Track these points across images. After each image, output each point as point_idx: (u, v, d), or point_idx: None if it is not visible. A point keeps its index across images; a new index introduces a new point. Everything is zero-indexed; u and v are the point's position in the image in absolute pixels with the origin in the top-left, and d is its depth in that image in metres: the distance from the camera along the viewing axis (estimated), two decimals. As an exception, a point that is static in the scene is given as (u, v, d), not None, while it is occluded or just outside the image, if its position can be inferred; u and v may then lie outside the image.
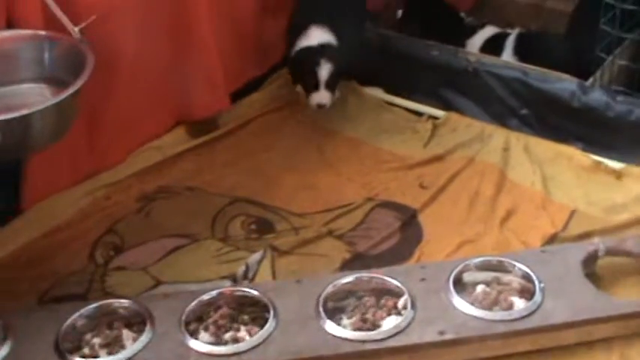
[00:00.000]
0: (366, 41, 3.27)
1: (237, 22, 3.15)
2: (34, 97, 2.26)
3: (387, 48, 3.33)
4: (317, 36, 3.06)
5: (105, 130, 2.78)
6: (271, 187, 2.86)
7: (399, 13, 3.76)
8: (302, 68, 3.04)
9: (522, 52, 3.36)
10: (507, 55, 3.38)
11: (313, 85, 2.98)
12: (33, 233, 2.61)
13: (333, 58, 2.98)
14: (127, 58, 2.68)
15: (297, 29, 3.12)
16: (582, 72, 3.08)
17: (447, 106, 3.23)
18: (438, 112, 3.22)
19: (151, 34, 2.75)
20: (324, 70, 2.96)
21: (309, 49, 3.04)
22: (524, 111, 3.10)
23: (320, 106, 2.99)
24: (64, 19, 2.26)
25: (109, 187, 2.82)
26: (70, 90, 2.09)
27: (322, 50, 3.02)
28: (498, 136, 3.08)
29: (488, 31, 3.54)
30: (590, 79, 3.06)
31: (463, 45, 3.47)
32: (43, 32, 2.33)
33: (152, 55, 2.80)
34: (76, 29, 2.26)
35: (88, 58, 2.20)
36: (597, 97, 2.96)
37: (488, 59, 3.24)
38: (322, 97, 2.98)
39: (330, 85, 2.99)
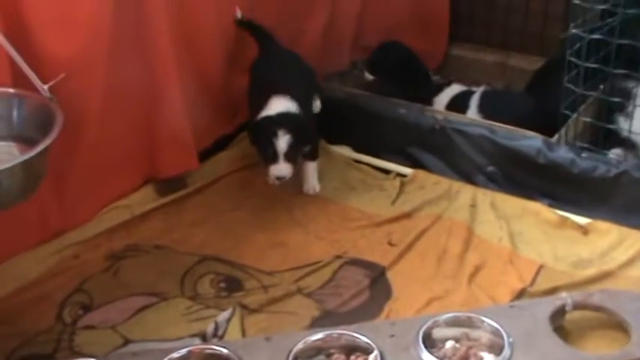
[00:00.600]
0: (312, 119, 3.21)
1: (205, 80, 3.17)
2: (2, 155, 2.23)
3: (355, 106, 3.36)
4: (277, 105, 2.97)
5: (73, 188, 2.78)
6: (240, 245, 2.85)
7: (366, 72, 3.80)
8: (259, 139, 2.95)
9: (487, 109, 3.42)
10: (472, 112, 3.44)
11: (271, 157, 2.89)
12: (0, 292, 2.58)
13: (293, 128, 2.89)
14: (94, 116, 2.69)
15: (257, 97, 3.07)
16: (546, 128, 3.13)
17: (414, 163, 3.26)
18: (406, 170, 3.25)
19: (119, 93, 2.76)
20: (283, 142, 2.86)
21: (267, 119, 2.93)
22: (490, 168, 3.14)
23: (279, 179, 2.91)
24: (33, 77, 2.26)
25: (78, 245, 2.81)
26: (39, 148, 2.07)
27: (280, 120, 2.92)
28: (465, 192, 3.11)
29: (454, 89, 3.60)
30: (556, 136, 3.11)
31: (431, 103, 3.52)
32: (11, 90, 2.33)
33: (120, 114, 2.80)
34: (45, 87, 2.26)
35: (57, 116, 2.20)
36: (562, 153, 3.01)
37: (455, 117, 3.29)
38: (281, 169, 2.88)
39: (290, 157, 2.89)
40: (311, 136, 3.06)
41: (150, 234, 2.91)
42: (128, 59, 2.79)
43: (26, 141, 2.23)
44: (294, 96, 2.99)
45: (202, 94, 3.19)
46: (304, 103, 3.06)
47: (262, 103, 2.98)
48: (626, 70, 3.09)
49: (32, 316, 2.52)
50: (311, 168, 3.12)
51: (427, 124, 3.23)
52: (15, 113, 2.32)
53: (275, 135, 2.85)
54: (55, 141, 2.13)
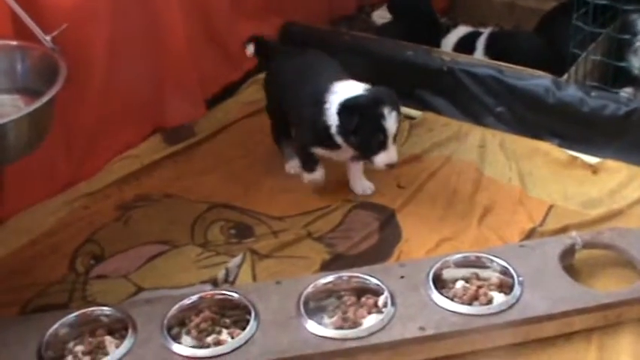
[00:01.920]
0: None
1: (211, 27, 3.16)
2: (8, 108, 2.25)
3: (363, 50, 3.34)
4: (349, 88, 2.59)
5: (81, 139, 2.78)
6: (250, 191, 2.86)
7: (374, 15, 3.77)
8: (360, 124, 2.51)
9: (493, 50, 3.40)
10: (479, 54, 3.42)
11: (378, 144, 2.53)
12: (12, 245, 2.61)
13: (396, 104, 2.55)
14: (100, 66, 2.69)
15: (302, 97, 2.69)
16: (555, 68, 3.10)
17: (422, 106, 3.25)
18: (415, 113, 3.24)
19: (123, 41, 2.75)
20: (392, 121, 2.51)
21: (365, 99, 2.54)
22: (499, 108, 3.13)
23: (391, 167, 2.58)
24: (35, 29, 2.26)
25: (88, 196, 2.82)
26: (44, 99, 2.08)
27: (382, 97, 2.54)
28: (474, 134, 3.11)
29: (461, 30, 3.58)
30: (565, 75, 3.08)
31: (438, 45, 3.50)
32: (14, 42, 2.33)
33: (125, 63, 2.79)
34: (48, 38, 2.26)
35: (60, 67, 2.20)
36: (572, 92, 2.99)
37: (463, 58, 3.28)
38: (392, 154, 2.54)
39: (396, 137, 2.57)
40: None
41: (159, 183, 2.92)
42: (132, 7, 2.78)
43: (31, 93, 2.24)
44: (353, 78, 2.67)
45: (208, 41, 3.18)
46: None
47: (319, 97, 2.60)
48: (637, 6, 3.05)
49: (45, 267, 2.54)
50: (358, 168, 2.83)
51: (435, 66, 3.22)
52: (18, 66, 2.32)
53: (382, 116, 2.49)
54: (59, 92, 2.13)
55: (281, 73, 2.86)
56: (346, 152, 2.67)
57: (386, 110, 2.49)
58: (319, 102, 2.59)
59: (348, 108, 2.52)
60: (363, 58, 3.30)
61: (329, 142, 2.63)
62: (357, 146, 2.58)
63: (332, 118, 2.56)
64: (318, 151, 2.71)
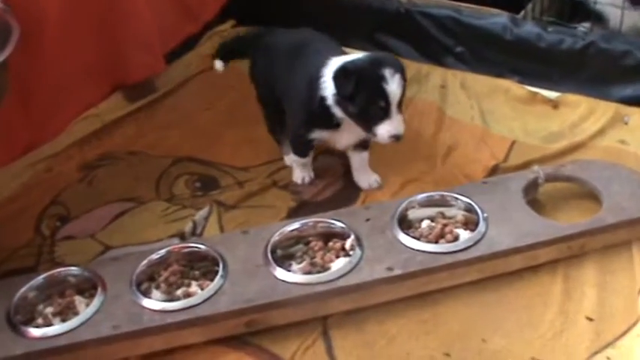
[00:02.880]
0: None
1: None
2: (-41, 72, 2.21)
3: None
4: (345, 58, 2.40)
5: (40, 101, 2.74)
6: (213, 144, 2.86)
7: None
8: (358, 88, 2.28)
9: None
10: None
11: (380, 111, 2.30)
12: (-24, 211, 2.60)
13: (401, 67, 2.33)
14: (53, 24, 2.62)
15: (300, 66, 2.49)
16: (512, 6, 3.11)
17: (382, 49, 3.23)
18: (374, 56, 3.22)
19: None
20: (395, 85, 2.28)
21: (362, 61, 2.33)
22: (458, 48, 3.13)
23: (397, 138, 2.32)
24: (-15, -12, 2.22)
25: (50, 158, 2.81)
26: (-4, 62, 2.06)
27: (383, 59, 2.35)
28: (435, 74, 3.12)
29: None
30: (522, 12, 3.09)
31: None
32: (-37, 4, 2.28)
33: (80, 20, 2.73)
34: (-2, -2, 2.22)
35: (13, 27, 2.16)
36: (529, 29, 3.00)
37: (421, 0, 3.25)
38: (397, 124, 2.30)
39: (401, 106, 2.33)
40: None
41: (122, 141, 2.91)
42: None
43: (-18, 56, 2.19)
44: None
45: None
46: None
47: (315, 73, 2.40)
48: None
49: (11, 232, 2.53)
50: (363, 159, 2.60)
51: (392, 9, 3.21)
52: (-32, 28, 2.27)
53: (382, 78, 2.26)
54: (13, 54, 2.10)
55: (270, 58, 2.64)
56: (348, 133, 2.47)
57: (387, 72, 2.25)
58: (315, 78, 2.39)
59: (344, 71, 2.31)
60: (321, 3, 3.28)
61: (327, 120, 2.42)
62: (356, 116, 2.33)
63: (328, 90, 2.36)
64: (316, 135, 2.48)
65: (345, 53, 2.50)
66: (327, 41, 2.60)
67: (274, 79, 2.60)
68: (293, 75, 2.51)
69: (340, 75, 2.31)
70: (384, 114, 2.28)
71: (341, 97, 2.33)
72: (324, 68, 2.38)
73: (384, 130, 2.30)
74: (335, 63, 2.36)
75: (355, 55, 2.43)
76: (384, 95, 2.26)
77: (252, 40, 2.84)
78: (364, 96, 2.28)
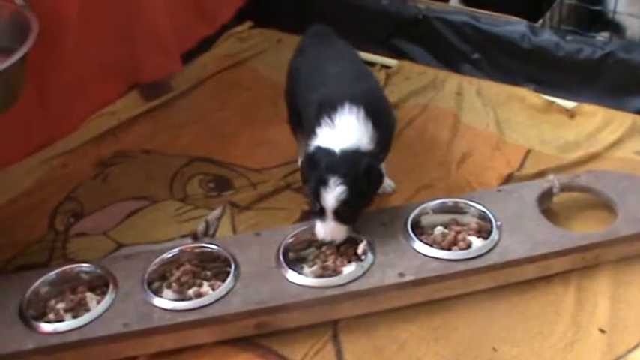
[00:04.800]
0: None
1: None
2: (-21, 66, 2.23)
3: (337, 0, 3.32)
4: (341, 130, 2.21)
5: (57, 97, 2.76)
6: (228, 144, 2.86)
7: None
8: (308, 182, 2.22)
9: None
10: (454, 1, 3.40)
11: (318, 211, 2.20)
12: (-9, 205, 2.61)
13: (353, 177, 2.14)
14: (72, 21, 2.65)
15: (321, 105, 2.29)
16: (531, 14, 3.10)
17: (399, 54, 3.25)
18: (391, 62, 3.24)
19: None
20: (332, 197, 2.14)
21: (320, 160, 2.17)
22: (475, 55, 3.13)
23: (325, 243, 2.23)
24: (6, -15, 2.23)
25: (66, 154, 2.82)
26: (15, 57, 2.07)
27: (335, 161, 2.17)
28: (451, 81, 3.11)
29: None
30: (540, 21, 3.08)
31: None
32: (-17, 0, 2.30)
33: (99, 18, 2.76)
34: (19, -5, 2.24)
35: (32, 23, 2.18)
36: (547, 37, 2.99)
37: (438, 6, 3.26)
38: (328, 231, 2.18)
39: (343, 216, 2.18)
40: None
41: (137, 139, 2.92)
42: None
43: (2, 51, 2.20)
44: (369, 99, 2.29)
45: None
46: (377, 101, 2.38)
47: (317, 116, 2.27)
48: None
49: (25, 227, 2.54)
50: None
51: (410, 15, 3.20)
52: (-11, 24, 2.29)
53: (324, 184, 2.14)
54: (32, 50, 2.11)
55: (298, 64, 2.58)
56: None
57: (332, 181, 2.13)
58: (314, 124, 2.27)
59: (307, 158, 2.22)
60: (339, 7, 3.28)
61: None
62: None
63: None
64: None
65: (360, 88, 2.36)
66: (348, 71, 2.46)
67: (295, 86, 2.54)
68: (305, 97, 2.42)
69: (305, 159, 2.23)
70: (320, 215, 2.19)
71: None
72: (323, 119, 2.24)
73: (317, 229, 2.20)
74: (332, 123, 2.22)
75: (351, 129, 2.22)
76: (320, 201, 2.16)
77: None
78: (310, 190, 2.21)
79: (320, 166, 2.15)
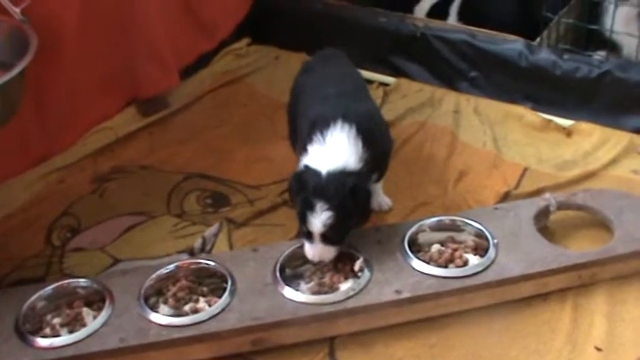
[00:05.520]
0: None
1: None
2: (-22, 81, 2.23)
3: (335, 17, 3.34)
4: (332, 151, 2.18)
5: (54, 112, 2.76)
6: (225, 161, 2.86)
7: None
8: (294, 203, 2.23)
9: (467, 16, 3.39)
10: (452, 20, 3.41)
11: (305, 233, 2.18)
12: (-13, 220, 2.60)
13: (340, 201, 2.12)
14: (70, 37, 2.65)
15: (313, 120, 2.28)
16: (527, 32, 3.11)
17: (396, 72, 3.25)
18: (388, 79, 3.25)
19: (95, 12, 2.73)
20: (318, 221, 2.12)
21: (309, 182, 2.15)
22: (473, 73, 3.13)
23: (314, 264, 2.24)
24: (5, 1, 2.23)
25: (63, 169, 2.81)
26: (14, 72, 2.07)
27: (322, 184, 2.14)
28: (448, 99, 3.12)
29: (434, -5, 3.57)
30: (537, 39, 3.09)
31: (412, 11, 3.49)
32: (-18, 15, 2.30)
33: (97, 34, 2.76)
34: (18, 10, 2.23)
35: (31, 39, 2.18)
36: (544, 56, 3.00)
37: (436, 24, 3.27)
38: (316, 253, 2.18)
39: (331, 238, 2.17)
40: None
41: (134, 155, 2.92)
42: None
43: (1, 66, 2.20)
44: (359, 116, 2.27)
45: (181, 11, 3.14)
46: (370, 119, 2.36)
47: (308, 135, 2.26)
48: (609, -32, 3.05)
49: (21, 242, 2.54)
50: (376, 187, 2.50)
51: (408, 32, 3.21)
52: (-13, 38, 2.30)
53: (310, 208, 2.12)
54: (30, 65, 2.12)
55: (302, 82, 2.59)
56: None
57: (318, 206, 2.11)
58: (306, 140, 2.26)
59: (295, 178, 2.20)
60: (336, 24, 3.29)
61: None
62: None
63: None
64: None
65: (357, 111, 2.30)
66: (347, 93, 2.43)
67: (295, 101, 2.56)
68: (301, 115, 2.41)
69: (293, 178, 2.22)
70: (308, 238, 2.17)
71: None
72: (315, 135, 2.23)
73: (305, 250, 2.19)
74: (323, 141, 2.21)
75: (342, 149, 2.19)
76: (307, 225, 2.14)
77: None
78: (297, 213, 2.19)
79: (307, 189, 2.13)
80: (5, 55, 2.23)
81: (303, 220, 2.15)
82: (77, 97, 2.82)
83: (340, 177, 2.14)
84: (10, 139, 2.55)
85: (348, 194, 2.12)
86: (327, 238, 2.15)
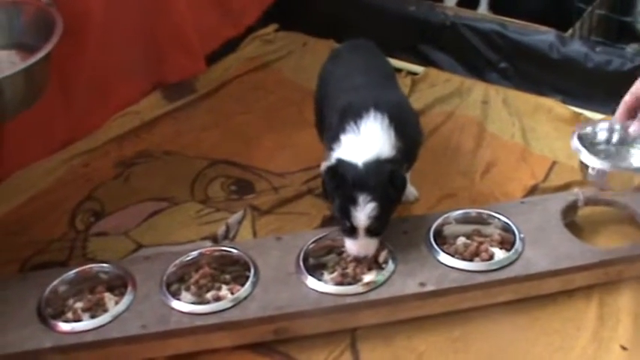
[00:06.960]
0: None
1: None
2: (4, 64, 2.22)
3: (364, 4, 3.31)
4: (366, 141, 2.15)
5: (80, 96, 2.76)
6: (250, 148, 2.84)
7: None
8: (336, 196, 2.13)
9: (497, 6, 3.36)
10: (483, 9, 3.38)
11: (348, 230, 2.13)
12: (12, 203, 2.60)
13: (381, 190, 2.08)
14: (97, 21, 2.65)
15: (342, 111, 2.25)
16: (560, 24, 3.07)
17: (425, 61, 3.22)
18: (417, 68, 3.21)
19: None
20: (363, 214, 2.09)
21: (347, 174, 2.09)
22: (502, 64, 3.10)
23: (357, 260, 2.18)
24: (30, -17, 2.24)
25: (87, 153, 2.81)
26: (40, 55, 2.07)
27: (361, 176, 2.10)
28: (477, 89, 3.08)
29: (465, -16, 3.53)
30: (569, 31, 3.05)
31: (442, 0, 3.46)
32: (9, -2, 2.30)
33: (123, 17, 2.76)
34: (44, -8, 2.23)
35: (57, 22, 2.18)
36: (576, 48, 2.95)
37: (466, 13, 3.24)
38: (360, 248, 2.14)
39: (375, 230, 2.13)
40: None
41: (159, 140, 2.91)
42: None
43: (27, 49, 2.21)
44: (393, 106, 2.25)
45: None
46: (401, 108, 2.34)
47: (338, 128, 2.22)
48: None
49: (45, 225, 2.53)
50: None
51: (437, 21, 3.18)
52: (14, 21, 2.29)
53: (353, 201, 2.07)
54: (56, 47, 2.11)
55: (331, 69, 2.56)
56: None
57: (361, 199, 2.06)
58: (338, 130, 2.22)
59: (330, 171, 2.14)
60: (365, 12, 3.27)
61: None
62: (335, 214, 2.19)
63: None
64: None
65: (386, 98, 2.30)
66: (376, 80, 2.44)
67: (323, 91, 2.53)
68: (330, 105, 2.38)
69: (326, 173, 2.15)
70: (351, 233, 2.13)
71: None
72: (346, 127, 2.19)
73: (348, 246, 2.15)
74: (357, 131, 2.17)
75: (373, 138, 2.16)
76: (351, 220, 2.09)
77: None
78: (337, 208, 2.13)
79: (346, 183, 2.08)
80: (31, 38, 2.24)
81: (345, 215, 2.09)
82: (102, 82, 2.82)
83: (377, 166, 2.11)
84: (35, 123, 2.55)
85: (387, 182, 2.10)
86: (371, 230, 2.12)
